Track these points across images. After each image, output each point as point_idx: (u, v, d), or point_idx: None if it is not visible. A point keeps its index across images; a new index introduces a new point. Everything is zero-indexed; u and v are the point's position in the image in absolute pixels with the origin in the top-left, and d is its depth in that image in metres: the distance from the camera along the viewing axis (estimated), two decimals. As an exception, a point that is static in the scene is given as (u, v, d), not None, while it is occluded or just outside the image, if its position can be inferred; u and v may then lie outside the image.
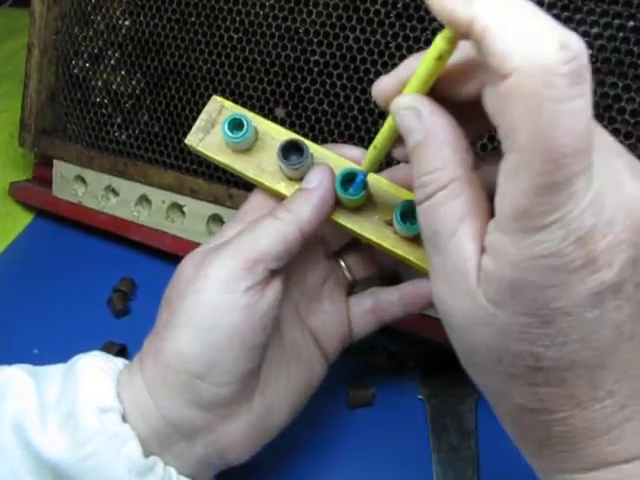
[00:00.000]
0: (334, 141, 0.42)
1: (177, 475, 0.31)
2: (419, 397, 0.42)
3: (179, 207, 0.49)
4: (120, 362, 0.33)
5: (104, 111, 0.52)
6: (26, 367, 0.33)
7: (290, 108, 0.43)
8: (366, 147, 0.43)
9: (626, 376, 0.23)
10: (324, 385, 0.42)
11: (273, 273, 0.32)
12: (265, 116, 0.45)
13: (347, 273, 0.39)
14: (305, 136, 0.43)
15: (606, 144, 0.23)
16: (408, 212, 0.33)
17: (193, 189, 0.47)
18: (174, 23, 0.47)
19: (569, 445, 0.23)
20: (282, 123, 0.44)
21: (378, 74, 0.40)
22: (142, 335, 0.34)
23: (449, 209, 0.24)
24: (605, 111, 0.36)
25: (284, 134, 0.36)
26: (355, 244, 0.39)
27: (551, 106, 0.19)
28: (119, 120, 0.51)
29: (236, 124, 0.35)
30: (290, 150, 0.34)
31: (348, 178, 0.34)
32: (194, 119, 0.48)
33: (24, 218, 0.61)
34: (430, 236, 0.25)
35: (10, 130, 0.64)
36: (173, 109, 0.48)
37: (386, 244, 0.35)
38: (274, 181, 0.35)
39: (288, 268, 0.33)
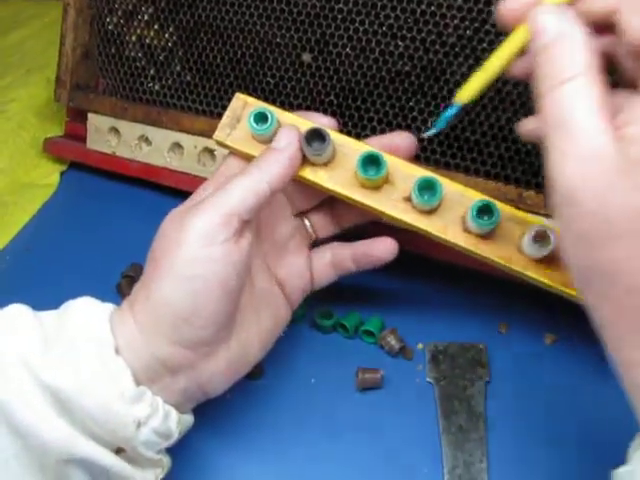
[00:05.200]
0: (357, 83, 0.46)
1: (163, 404, 0.34)
2: (428, 380, 0.42)
3: (210, 151, 0.53)
4: (111, 305, 0.36)
5: (138, 64, 0.55)
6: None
7: (316, 53, 0.47)
8: (389, 85, 0.47)
9: None
10: (333, 367, 0.44)
11: (244, 224, 0.35)
12: (292, 62, 0.49)
13: (311, 231, 0.44)
14: (330, 79, 0.48)
15: None
16: (426, 186, 0.37)
17: (224, 133, 0.51)
18: (205, -22, 0.51)
19: None
20: (308, 67, 0.48)
21: (397, 19, 0.44)
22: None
23: (585, 95, 0.25)
24: None
25: (306, 124, 0.39)
26: (320, 206, 0.43)
27: None
28: (152, 72, 0.55)
29: (261, 117, 0.38)
30: (312, 138, 0.37)
31: (369, 160, 0.37)
32: (224, 67, 0.52)
33: (30, 210, 0.60)
34: (560, 120, 0.25)
35: (18, 120, 0.65)
36: (205, 59, 0.52)
37: (406, 218, 0.38)
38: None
39: (260, 224, 0.37)
